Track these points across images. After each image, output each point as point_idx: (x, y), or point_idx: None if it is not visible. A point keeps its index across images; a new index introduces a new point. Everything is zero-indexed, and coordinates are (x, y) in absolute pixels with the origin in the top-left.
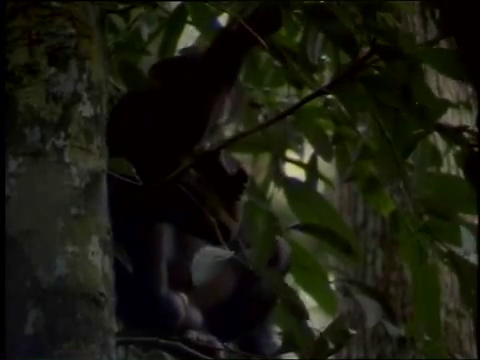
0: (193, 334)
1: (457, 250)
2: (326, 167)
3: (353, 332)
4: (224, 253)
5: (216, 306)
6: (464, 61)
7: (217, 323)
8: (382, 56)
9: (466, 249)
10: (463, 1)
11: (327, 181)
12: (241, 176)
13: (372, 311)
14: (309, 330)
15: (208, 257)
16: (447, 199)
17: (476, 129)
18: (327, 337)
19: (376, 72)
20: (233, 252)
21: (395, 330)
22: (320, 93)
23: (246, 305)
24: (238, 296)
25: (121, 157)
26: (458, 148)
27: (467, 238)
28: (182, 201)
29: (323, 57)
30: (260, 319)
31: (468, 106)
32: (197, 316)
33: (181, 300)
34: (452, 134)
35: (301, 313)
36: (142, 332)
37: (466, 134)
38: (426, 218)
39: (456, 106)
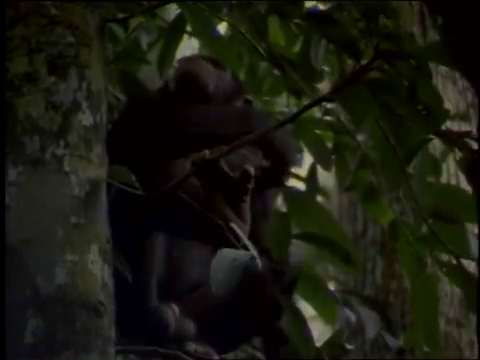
0: (191, 345)
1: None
2: (325, 176)
3: (350, 347)
4: (241, 255)
5: (212, 316)
6: (465, 68)
7: (214, 334)
8: (386, 60)
9: (472, 255)
10: (465, 8)
11: (323, 191)
12: (245, 177)
13: (371, 322)
14: (311, 339)
15: (225, 262)
16: (448, 208)
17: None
18: (325, 351)
19: (381, 76)
20: (250, 253)
21: (394, 341)
22: (323, 100)
23: (244, 315)
24: (235, 306)
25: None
26: (460, 154)
27: (473, 244)
28: (185, 209)
29: (322, 66)
30: (258, 329)
31: (467, 117)
32: (190, 327)
33: (171, 311)
34: (454, 140)
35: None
36: (140, 341)
37: (468, 140)
38: (429, 224)
39: (454, 117)
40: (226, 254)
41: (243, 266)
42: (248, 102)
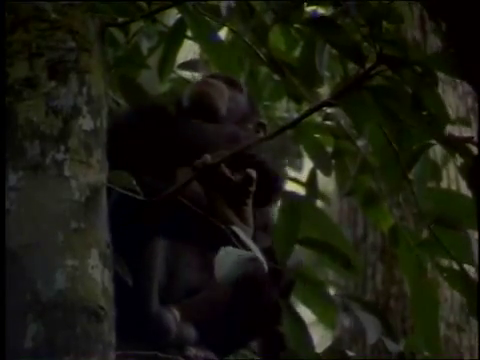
0: (191, 350)
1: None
2: (326, 181)
3: (351, 354)
4: (246, 253)
5: (212, 320)
6: (467, 73)
7: (214, 337)
8: (389, 66)
9: (474, 261)
10: (466, 13)
11: (323, 196)
12: (247, 180)
13: (372, 327)
14: (311, 343)
15: (231, 256)
16: (448, 214)
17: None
18: (325, 358)
19: (383, 82)
20: (254, 253)
21: (394, 347)
22: (325, 105)
23: (243, 319)
24: (234, 310)
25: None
26: (461, 160)
27: (475, 249)
28: (187, 214)
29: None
30: (258, 333)
31: (467, 122)
32: (190, 332)
33: (172, 316)
34: (456, 145)
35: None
36: (141, 346)
37: (469, 145)
38: (432, 230)
39: (455, 123)
40: (230, 250)
41: (247, 261)
42: (261, 125)
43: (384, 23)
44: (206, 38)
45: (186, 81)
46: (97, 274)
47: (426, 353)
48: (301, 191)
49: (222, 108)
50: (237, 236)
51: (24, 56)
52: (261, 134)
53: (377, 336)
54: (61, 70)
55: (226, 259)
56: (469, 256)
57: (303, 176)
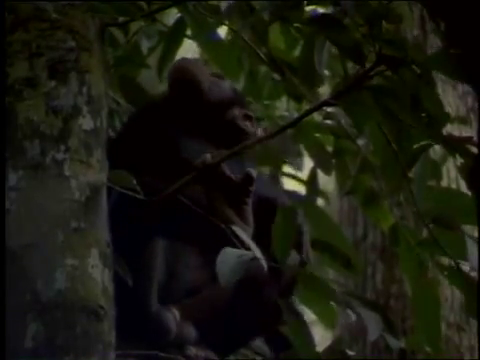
0: (191, 350)
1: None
2: (326, 180)
3: (351, 353)
4: (246, 253)
5: (212, 320)
6: (467, 72)
7: (214, 337)
8: (388, 66)
9: (472, 263)
10: (466, 13)
11: (323, 195)
12: (247, 180)
13: (373, 324)
14: (312, 342)
15: (231, 257)
16: (448, 212)
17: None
18: (325, 357)
19: (383, 81)
20: (254, 253)
21: (396, 343)
22: (325, 104)
23: (243, 318)
24: (235, 309)
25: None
26: (460, 160)
27: (473, 251)
28: (187, 213)
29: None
30: (258, 332)
31: (467, 121)
32: (190, 331)
33: (172, 316)
34: (456, 145)
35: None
36: (141, 346)
37: (469, 146)
38: (430, 229)
39: (454, 122)
40: (230, 251)
41: (248, 262)
42: (248, 117)
43: (384, 23)
44: (206, 37)
45: None
46: (97, 274)
47: (428, 349)
48: (302, 190)
49: (204, 82)
50: (237, 236)
51: (24, 56)
52: (248, 124)
53: (378, 333)
54: (61, 70)
55: (227, 260)
56: (466, 256)
57: (304, 175)
